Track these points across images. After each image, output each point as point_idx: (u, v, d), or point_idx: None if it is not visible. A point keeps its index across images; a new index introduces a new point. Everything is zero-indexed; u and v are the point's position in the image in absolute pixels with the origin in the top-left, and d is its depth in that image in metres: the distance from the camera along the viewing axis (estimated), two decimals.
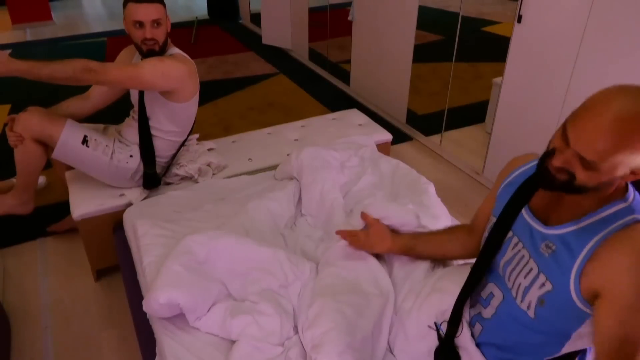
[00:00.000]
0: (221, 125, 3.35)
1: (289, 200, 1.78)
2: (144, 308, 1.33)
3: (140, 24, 1.79)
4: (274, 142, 2.37)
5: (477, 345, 1.09)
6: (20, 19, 5.86)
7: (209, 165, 2.11)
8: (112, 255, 1.95)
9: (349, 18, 3.58)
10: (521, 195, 1.03)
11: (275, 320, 1.29)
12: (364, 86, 3.69)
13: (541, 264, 0.95)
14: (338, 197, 1.73)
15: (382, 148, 2.37)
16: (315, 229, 1.72)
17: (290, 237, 1.68)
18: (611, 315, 0.80)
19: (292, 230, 1.74)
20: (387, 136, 2.48)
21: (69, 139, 1.84)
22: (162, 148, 1.99)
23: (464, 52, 2.85)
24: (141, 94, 1.91)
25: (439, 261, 1.38)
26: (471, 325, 1.11)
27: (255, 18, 5.40)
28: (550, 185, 0.89)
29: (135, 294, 1.56)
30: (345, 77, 3.92)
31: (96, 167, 1.92)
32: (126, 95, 2.11)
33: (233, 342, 1.28)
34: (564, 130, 0.84)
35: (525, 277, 0.98)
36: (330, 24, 4.05)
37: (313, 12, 4.20)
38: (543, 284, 0.94)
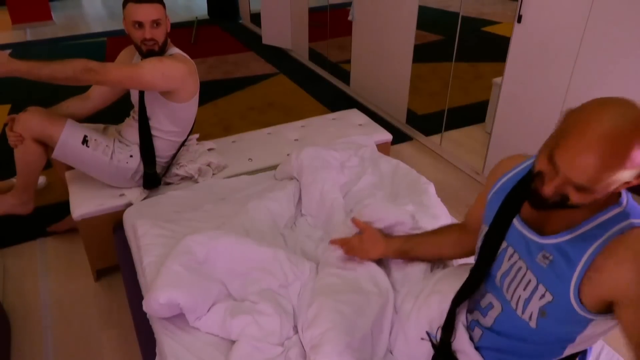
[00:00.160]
0: (221, 125, 3.35)
1: (289, 200, 1.78)
2: (144, 308, 1.33)
3: (140, 24, 1.79)
4: (274, 142, 2.37)
5: (477, 348, 1.09)
6: (20, 19, 5.86)
7: (209, 165, 2.11)
8: (112, 255, 1.95)
9: (349, 18, 3.58)
10: (509, 207, 1.01)
11: (275, 320, 1.29)
12: (364, 86, 3.69)
13: (540, 275, 0.94)
14: (338, 197, 1.73)
15: (382, 148, 2.37)
16: (315, 229, 1.72)
17: (290, 237, 1.68)
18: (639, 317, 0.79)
19: (292, 230, 1.74)
20: (387, 136, 2.48)
21: (69, 139, 1.84)
22: (162, 148, 1.99)
23: (464, 52, 2.85)
24: (141, 94, 1.91)
25: (437, 261, 1.38)
26: (470, 329, 1.11)
27: (255, 18, 5.40)
28: (543, 207, 0.88)
29: (135, 294, 1.56)
30: (345, 77, 3.92)
31: (96, 167, 1.92)
32: (126, 96, 2.11)
33: (233, 342, 1.29)
34: (551, 156, 0.82)
35: (524, 289, 0.97)
36: (330, 24, 4.05)
37: (313, 12, 4.20)
38: (543, 295, 0.94)
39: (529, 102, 2.27)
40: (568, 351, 0.98)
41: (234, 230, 1.57)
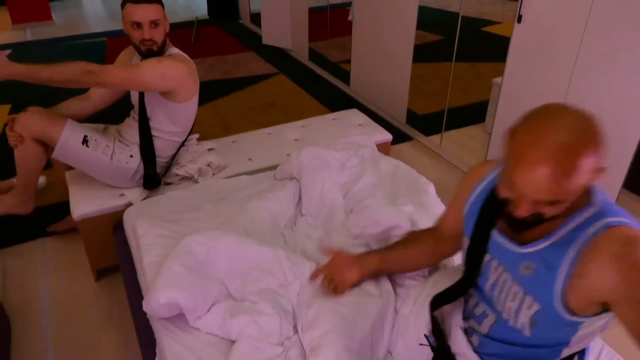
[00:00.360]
0: (221, 125, 3.35)
1: (289, 200, 1.78)
2: (144, 308, 1.33)
3: (139, 25, 1.79)
4: (274, 142, 2.37)
5: (476, 352, 1.09)
6: (20, 19, 5.86)
7: (209, 165, 2.11)
8: (112, 255, 1.95)
9: (349, 18, 3.58)
10: (485, 222, 1.02)
11: (275, 320, 1.29)
12: (364, 86, 3.69)
13: (524, 285, 0.94)
14: (338, 197, 1.73)
15: (382, 148, 2.37)
16: (316, 229, 1.72)
17: (290, 237, 1.69)
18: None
19: (292, 230, 1.74)
20: (387, 136, 2.48)
21: (69, 139, 1.84)
22: (162, 148, 1.99)
23: (464, 52, 2.85)
24: (141, 94, 1.92)
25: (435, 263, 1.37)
26: (469, 334, 1.11)
27: (255, 18, 5.40)
28: (525, 228, 0.89)
29: (135, 294, 1.57)
30: (345, 77, 3.92)
31: (96, 167, 1.92)
32: (126, 96, 2.12)
33: (233, 342, 1.28)
34: (511, 184, 0.82)
35: (513, 301, 0.97)
36: (330, 24, 4.05)
37: (313, 12, 4.20)
38: (531, 305, 0.94)
39: (529, 102, 2.27)
40: (565, 353, 0.98)
41: (234, 230, 1.58)
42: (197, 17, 5.95)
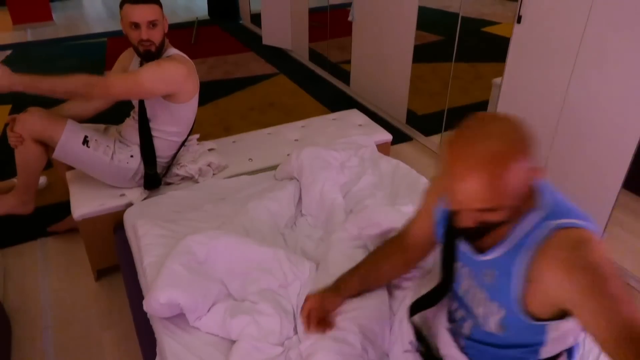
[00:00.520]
0: (221, 126, 3.35)
1: (289, 200, 1.78)
2: (145, 308, 1.34)
3: (137, 25, 1.79)
4: (274, 143, 2.37)
5: (464, 352, 1.09)
6: (21, 19, 5.87)
7: (209, 165, 2.12)
8: (113, 255, 1.96)
9: (349, 18, 3.59)
10: (451, 232, 1.03)
11: (275, 320, 1.29)
12: (364, 86, 3.69)
13: (489, 292, 0.95)
14: (338, 197, 1.73)
15: (382, 148, 2.38)
16: (316, 229, 1.73)
17: (290, 237, 1.69)
18: (597, 317, 0.78)
19: (292, 230, 1.74)
20: (387, 136, 2.48)
21: (70, 140, 1.84)
22: (163, 148, 1.99)
23: (463, 53, 2.86)
24: None
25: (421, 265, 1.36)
26: (455, 335, 1.11)
27: (256, 18, 5.41)
28: (478, 237, 0.90)
29: (135, 294, 1.57)
30: (345, 77, 3.92)
31: (97, 168, 1.92)
32: None
33: (233, 342, 1.29)
34: (449, 196, 0.84)
35: (481, 307, 0.99)
36: (330, 25, 4.05)
37: (313, 12, 4.21)
38: (497, 311, 0.94)
39: (528, 103, 2.28)
40: (545, 352, 0.97)
41: (234, 230, 1.58)
42: (197, 18, 5.95)
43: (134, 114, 2.03)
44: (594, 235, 0.83)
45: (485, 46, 4.00)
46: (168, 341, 1.30)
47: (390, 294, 1.33)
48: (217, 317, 1.32)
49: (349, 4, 3.56)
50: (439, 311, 1.16)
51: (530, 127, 0.83)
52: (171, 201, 1.89)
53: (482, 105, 3.12)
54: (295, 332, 1.31)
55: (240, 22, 6.07)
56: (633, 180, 1.96)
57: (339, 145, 2.07)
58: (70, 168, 2.08)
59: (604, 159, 1.98)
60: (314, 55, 4.38)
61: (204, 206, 1.81)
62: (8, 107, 3.61)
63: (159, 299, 1.28)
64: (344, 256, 1.42)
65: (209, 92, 3.81)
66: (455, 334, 1.11)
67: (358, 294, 1.25)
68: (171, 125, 1.96)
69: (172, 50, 1.93)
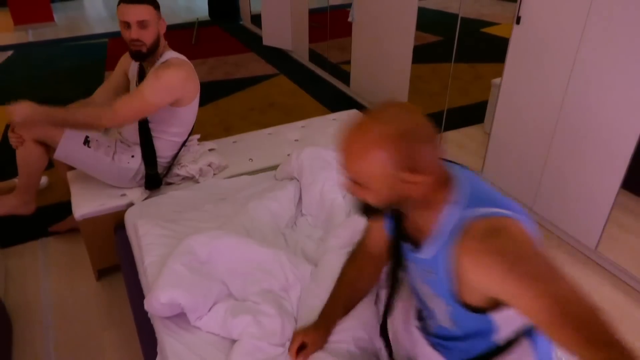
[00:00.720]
0: (222, 126, 3.36)
1: (289, 200, 1.79)
2: (146, 307, 1.34)
3: (128, 25, 1.80)
4: (274, 143, 2.38)
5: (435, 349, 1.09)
6: (22, 20, 5.88)
7: (210, 165, 2.13)
8: (114, 255, 1.97)
9: (349, 19, 3.59)
10: (394, 237, 1.04)
11: (277, 321, 1.29)
12: (364, 87, 3.70)
13: (432, 288, 0.96)
14: (337, 197, 1.74)
15: None
16: (316, 229, 1.74)
17: (290, 237, 1.70)
18: (522, 301, 0.77)
19: (292, 230, 1.75)
20: None
21: (71, 140, 1.85)
22: (163, 148, 2.00)
23: (463, 53, 2.86)
24: None
25: None
26: (424, 332, 1.12)
27: (256, 19, 5.42)
28: (361, 213, 0.94)
29: (136, 294, 1.57)
30: (345, 77, 3.93)
31: (98, 168, 1.93)
32: None
33: (234, 341, 1.29)
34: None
35: (431, 302, 1.00)
36: (330, 25, 4.06)
37: (313, 13, 4.22)
38: (443, 306, 0.95)
39: (527, 103, 2.28)
40: (498, 337, 0.95)
41: (235, 230, 1.58)
42: (198, 18, 5.97)
43: None
44: (509, 221, 0.82)
45: (485, 47, 4.01)
46: (169, 340, 1.30)
47: (376, 294, 1.33)
48: (218, 317, 1.32)
49: (349, 5, 3.57)
50: (407, 311, 1.16)
51: (431, 124, 0.87)
52: (172, 201, 1.89)
53: (482, 106, 3.13)
54: None
55: (241, 22, 6.08)
56: (632, 180, 1.96)
57: None
58: (71, 168, 2.09)
59: (603, 159, 1.98)
60: (314, 56, 4.39)
61: (205, 206, 1.81)
62: None
63: (160, 298, 1.28)
64: (335, 268, 1.37)
65: (210, 93, 3.82)
66: (425, 331, 1.12)
67: (342, 315, 1.24)
68: (172, 126, 1.97)
69: (169, 54, 1.92)
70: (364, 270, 1.24)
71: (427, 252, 0.93)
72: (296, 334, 1.23)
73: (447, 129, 2.99)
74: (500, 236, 0.80)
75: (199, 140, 2.27)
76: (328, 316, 1.22)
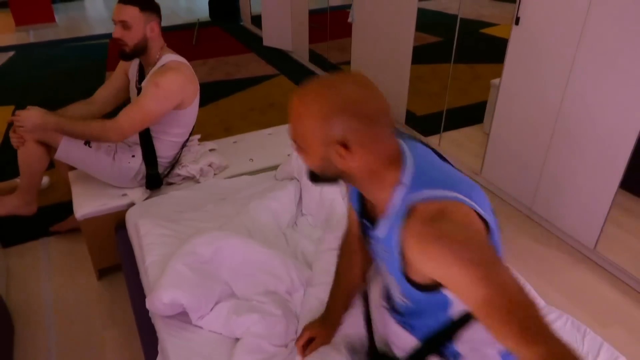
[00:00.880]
0: (222, 126, 3.37)
1: (289, 200, 1.80)
2: (147, 306, 1.35)
3: (114, 23, 1.82)
4: (274, 143, 2.39)
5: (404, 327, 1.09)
6: (23, 20, 5.90)
7: (210, 165, 2.13)
8: (115, 255, 1.97)
9: (349, 20, 3.60)
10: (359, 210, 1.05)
11: (281, 322, 1.30)
12: None
13: (387, 266, 0.96)
14: (337, 198, 1.75)
15: None
16: (316, 229, 1.74)
17: (291, 237, 1.70)
18: (458, 287, 0.77)
19: (293, 229, 1.76)
20: None
21: (72, 140, 1.86)
22: (164, 149, 2.01)
23: (462, 54, 2.87)
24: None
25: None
26: (391, 312, 1.12)
27: (256, 20, 5.43)
28: (308, 176, 0.95)
29: (137, 293, 1.58)
30: None
31: (99, 168, 1.94)
32: (128, 97, 2.14)
33: (235, 340, 1.30)
34: None
35: (387, 279, 1.01)
36: (330, 26, 4.07)
37: (313, 14, 4.23)
38: (396, 283, 0.95)
39: (526, 103, 2.29)
40: (452, 312, 0.93)
41: (236, 229, 1.59)
42: (198, 19, 5.98)
43: None
44: (451, 205, 0.81)
45: (484, 47, 4.02)
46: (170, 339, 1.31)
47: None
48: (221, 316, 1.33)
49: (349, 6, 3.58)
50: (378, 291, 1.17)
51: (381, 102, 0.88)
52: (173, 201, 1.90)
53: (481, 106, 3.14)
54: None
55: (241, 23, 6.10)
56: (630, 180, 1.97)
57: None
58: (72, 168, 2.10)
59: (602, 159, 1.99)
60: (314, 56, 4.40)
61: (206, 206, 1.82)
62: (11, 108, 3.64)
63: (162, 298, 1.29)
64: (331, 268, 1.37)
65: (210, 93, 3.83)
66: (392, 311, 1.11)
67: (346, 312, 1.26)
68: (172, 128, 1.98)
69: (167, 57, 1.90)
70: (353, 261, 1.23)
71: (381, 231, 0.92)
72: (305, 328, 1.24)
73: (446, 129, 3.00)
74: (440, 219, 0.79)
75: (200, 140, 2.28)
76: (333, 312, 1.24)
